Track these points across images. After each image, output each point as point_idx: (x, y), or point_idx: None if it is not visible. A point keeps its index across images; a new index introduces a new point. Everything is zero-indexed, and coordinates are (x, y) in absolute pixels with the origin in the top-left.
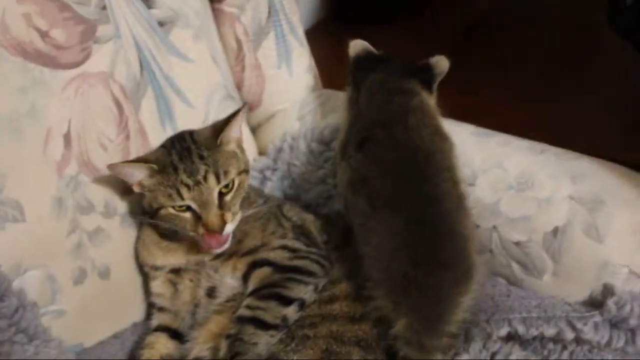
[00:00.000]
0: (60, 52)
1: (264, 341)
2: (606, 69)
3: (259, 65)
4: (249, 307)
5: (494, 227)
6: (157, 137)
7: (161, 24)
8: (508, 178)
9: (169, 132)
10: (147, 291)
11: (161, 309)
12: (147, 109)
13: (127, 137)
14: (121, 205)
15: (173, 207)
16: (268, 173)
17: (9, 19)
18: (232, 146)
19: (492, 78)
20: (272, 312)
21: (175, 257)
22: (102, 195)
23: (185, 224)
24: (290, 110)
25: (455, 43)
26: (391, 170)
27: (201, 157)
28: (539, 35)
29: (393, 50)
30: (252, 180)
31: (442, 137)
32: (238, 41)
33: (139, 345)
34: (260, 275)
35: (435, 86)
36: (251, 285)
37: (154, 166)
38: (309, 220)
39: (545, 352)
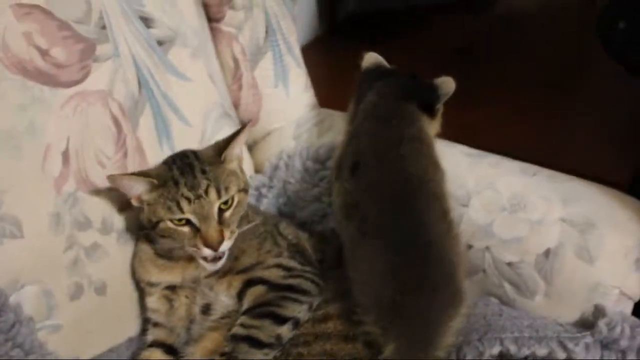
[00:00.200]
0: (59, 71)
1: None
2: (600, 89)
3: (256, 84)
4: (243, 325)
5: (487, 248)
6: (154, 154)
7: (160, 43)
8: (501, 200)
9: (166, 150)
10: (142, 307)
11: (156, 325)
12: (145, 127)
13: (125, 154)
14: (118, 222)
15: (172, 221)
16: (264, 190)
17: (10, 37)
18: (234, 164)
19: (485, 96)
20: (267, 330)
21: (171, 274)
22: (100, 212)
23: (183, 238)
24: (286, 129)
25: (449, 61)
26: (382, 199)
27: (203, 172)
28: (533, 55)
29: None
30: (249, 197)
31: (436, 166)
32: (235, 60)
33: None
34: (255, 293)
35: (439, 107)
36: (246, 304)
37: (154, 181)
38: (304, 239)
39: None
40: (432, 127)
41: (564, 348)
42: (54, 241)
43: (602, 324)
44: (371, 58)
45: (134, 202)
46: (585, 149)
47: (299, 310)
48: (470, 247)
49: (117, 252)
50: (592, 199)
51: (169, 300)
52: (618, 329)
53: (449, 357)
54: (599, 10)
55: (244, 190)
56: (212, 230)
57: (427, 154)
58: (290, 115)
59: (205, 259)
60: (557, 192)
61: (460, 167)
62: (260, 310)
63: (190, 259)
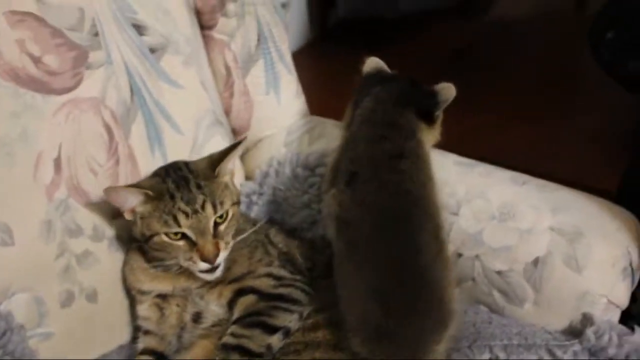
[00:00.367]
0: (52, 78)
1: None
2: (590, 97)
3: (247, 91)
4: (233, 335)
5: (477, 256)
6: (146, 162)
7: (152, 50)
8: (491, 208)
9: (158, 157)
10: (133, 314)
11: (147, 332)
12: (137, 134)
13: (117, 162)
14: (109, 229)
15: (167, 235)
16: (254, 197)
17: (3, 44)
18: (227, 178)
19: (475, 104)
20: (257, 340)
21: (162, 283)
22: (91, 219)
23: (178, 253)
24: (277, 136)
25: (441, 67)
26: (375, 218)
27: (199, 187)
28: (523, 63)
29: None
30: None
31: (431, 181)
32: (227, 68)
33: None
34: (245, 302)
35: (438, 114)
36: (236, 313)
37: (150, 192)
38: (294, 247)
39: None
40: (431, 135)
41: (553, 356)
42: (45, 248)
43: (590, 332)
44: (372, 63)
45: (127, 216)
46: (575, 157)
47: (290, 320)
48: (460, 255)
49: (108, 260)
50: (581, 208)
51: (160, 308)
52: (606, 337)
53: None
54: (590, 17)
55: (237, 203)
56: (208, 244)
57: (424, 169)
58: (281, 122)
59: (201, 271)
60: (546, 202)
61: (451, 176)
62: (250, 320)
63: (182, 269)
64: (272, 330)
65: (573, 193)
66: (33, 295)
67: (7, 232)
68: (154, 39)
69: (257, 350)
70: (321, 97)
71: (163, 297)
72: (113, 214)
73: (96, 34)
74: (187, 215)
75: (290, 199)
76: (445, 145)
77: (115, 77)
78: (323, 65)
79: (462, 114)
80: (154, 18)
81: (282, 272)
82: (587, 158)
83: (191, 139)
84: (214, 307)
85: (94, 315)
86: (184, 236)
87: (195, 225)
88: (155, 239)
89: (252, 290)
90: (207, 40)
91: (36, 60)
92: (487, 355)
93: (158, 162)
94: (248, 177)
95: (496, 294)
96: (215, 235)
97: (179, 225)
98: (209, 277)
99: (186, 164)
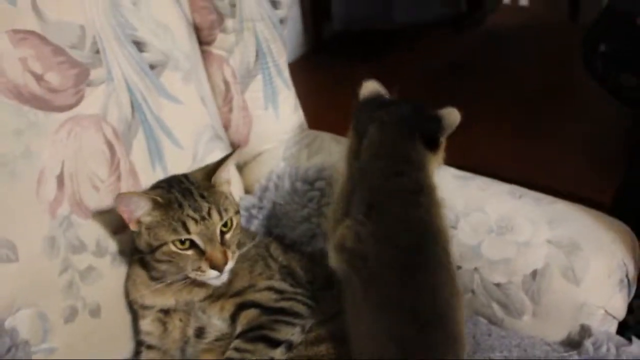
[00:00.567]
0: (54, 95)
1: None
2: (584, 109)
3: (246, 106)
4: (237, 349)
5: (476, 269)
6: (147, 177)
7: (152, 66)
8: (489, 221)
9: (159, 173)
10: (136, 329)
11: (150, 347)
12: (138, 150)
13: (119, 178)
14: (112, 245)
15: (175, 245)
16: (254, 211)
17: (6, 62)
18: (224, 187)
19: (470, 115)
20: (260, 354)
21: (164, 298)
22: (94, 235)
23: (187, 262)
24: (276, 150)
25: (438, 79)
26: (394, 255)
27: (202, 196)
28: (517, 74)
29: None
30: None
31: (442, 210)
32: (226, 83)
33: None
34: (248, 316)
35: (442, 140)
36: (239, 327)
37: (160, 199)
38: (294, 260)
39: None
40: (436, 162)
41: None
42: (49, 264)
43: (588, 343)
44: (370, 86)
45: (133, 227)
46: (569, 169)
47: (292, 333)
48: (459, 268)
49: (111, 275)
50: (577, 221)
51: (163, 323)
52: (604, 348)
53: None
54: (583, 28)
55: (237, 212)
56: (217, 252)
57: (436, 199)
58: (279, 136)
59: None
60: (543, 215)
61: (449, 190)
62: (253, 334)
63: (184, 283)
64: (275, 344)
65: (569, 206)
66: (37, 311)
67: (11, 249)
68: (154, 56)
69: None
70: (317, 109)
71: (166, 311)
72: (115, 229)
73: (97, 52)
74: (195, 221)
75: (290, 213)
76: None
77: (116, 94)
78: (318, 77)
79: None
80: (153, 34)
81: (283, 286)
82: (580, 169)
83: (191, 153)
84: (216, 321)
85: (97, 330)
86: (192, 245)
87: (204, 232)
88: (164, 248)
89: (254, 304)
90: (205, 55)
91: (38, 78)
92: None
93: (159, 177)
94: (247, 191)
95: (495, 306)
96: (223, 243)
97: (188, 232)
98: (217, 282)
99: (185, 176)
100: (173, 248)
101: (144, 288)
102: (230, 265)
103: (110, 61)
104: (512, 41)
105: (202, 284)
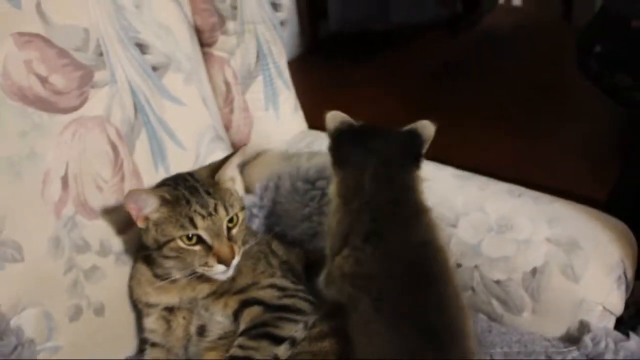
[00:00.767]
0: (58, 97)
1: None
2: (580, 108)
3: (247, 107)
4: (240, 346)
5: (476, 267)
6: (150, 178)
7: (155, 68)
8: (489, 220)
9: (162, 173)
10: (140, 327)
11: (154, 345)
12: (141, 151)
13: (122, 178)
14: (116, 244)
15: (182, 240)
16: (255, 210)
17: (11, 65)
18: (229, 184)
19: (466, 115)
20: (264, 351)
21: (168, 296)
22: (98, 235)
23: (194, 258)
24: (276, 151)
25: (433, 79)
26: (401, 272)
27: (208, 193)
28: (513, 74)
29: (370, 86)
30: None
31: (438, 226)
32: (227, 84)
33: None
34: (251, 314)
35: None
36: (242, 324)
37: (168, 196)
38: (296, 255)
39: None
40: (421, 178)
41: None
42: (54, 264)
43: (587, 338)
44: (336, 117)
45: (140, 224)
46: (566, 168)
47: (295, 330)
48: (459, 265)
49: (114, 274)
50: (575, 219)
51: (167, 321)
52: (603, 344)
53: None
54: (577, 28)
55: (243, 208)
56: (224, 246)
57: (434, 222)
58: (280, 137)
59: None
60: (542, 213)
61: (449, 189)
62: (257, 332)
63: (188, 280)
64: (278, 340)
65: (567, 204)
66: (42, 310)
67: (17, 249)
68: (156, 58)
69: None
70: (312, 109)
71: (170, 309)
72: (119, 229)
73: (101, 54)
74: (202, 217)
75: (291, 212)
76: (436, 157)
77: (120, 96)
78: (314, 77)
79: (452, 125)
80: (155, 37)
81: (285, 283)
82: (576, 168)
83: (193, 154)
84: (219, 319)
85: (101, 328)
86: (199, 241)
87: (211, 227)
88: (171, 244)
89: (257, 302)
90: (207, 57)
91: (43, 80)
92: None
93: (161, 177)
94: (248, 191)
95: (495, 303)
96: (229, 238)
97: (196, 227)
98: (223, 276)
99: (190, 174)
100: (180, 244)
101: (148, 286)
102: (237, 259)
103: (113, 63)
104: (506, 41)
105: (205, 282)
